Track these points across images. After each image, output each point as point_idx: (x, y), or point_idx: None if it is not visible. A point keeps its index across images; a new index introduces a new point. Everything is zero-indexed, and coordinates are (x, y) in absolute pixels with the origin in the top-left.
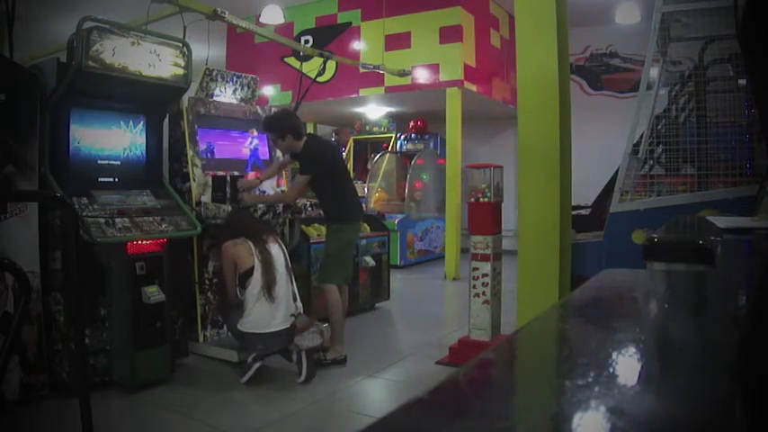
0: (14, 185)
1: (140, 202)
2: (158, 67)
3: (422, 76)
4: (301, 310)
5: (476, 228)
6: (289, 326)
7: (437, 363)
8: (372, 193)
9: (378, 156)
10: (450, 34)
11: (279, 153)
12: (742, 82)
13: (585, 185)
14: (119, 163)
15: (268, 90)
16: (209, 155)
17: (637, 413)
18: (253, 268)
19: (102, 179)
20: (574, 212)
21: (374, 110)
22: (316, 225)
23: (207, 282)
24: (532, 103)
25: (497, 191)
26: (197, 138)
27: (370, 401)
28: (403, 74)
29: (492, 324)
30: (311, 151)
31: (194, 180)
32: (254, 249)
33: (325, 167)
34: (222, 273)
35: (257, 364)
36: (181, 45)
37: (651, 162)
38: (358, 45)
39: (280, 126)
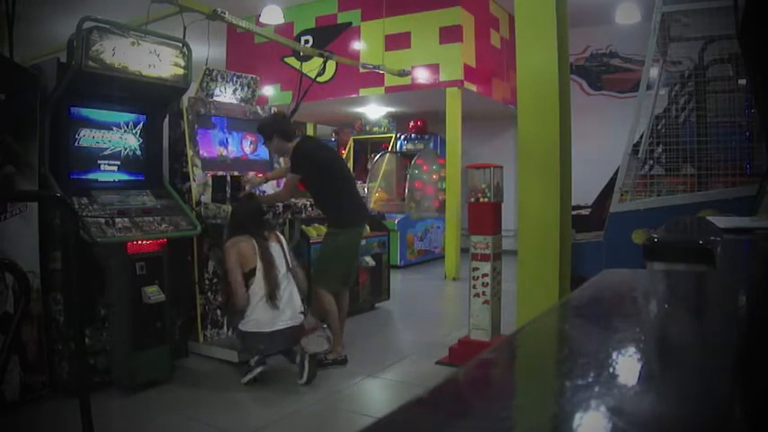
0: (14, 185)
1: (140, 202)
2: (158, 67)
3: (422, 76)
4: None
5: (476, 228)
6: (297, 324)
7: (437, 363)
8: (372, 193)
9: (378, 156)
10: (450, 34)
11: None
12: (742, 82)
13: (585, 185)
14: (119, 163)
15: (268, 90)
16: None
17: (636, 413)
18: (255, 269)
19: (102, 179)
20: (574, 212)
21: (374, 110)
22: (316, 225)
23: (207, 282)
24: (532, 104)
25: (497, 191)
26: (197, 138)
27: (370, 401)
28: (403, 74)
29: (492, 324)
30: (301, 151)
31: (194, 180)
32: (256, 248)
33: (315, 169)
34: (226, 272)
35: (259, 369)
36: (181, 45)
37: (651, 162)
38: (358, 45)
39: (266, 128)
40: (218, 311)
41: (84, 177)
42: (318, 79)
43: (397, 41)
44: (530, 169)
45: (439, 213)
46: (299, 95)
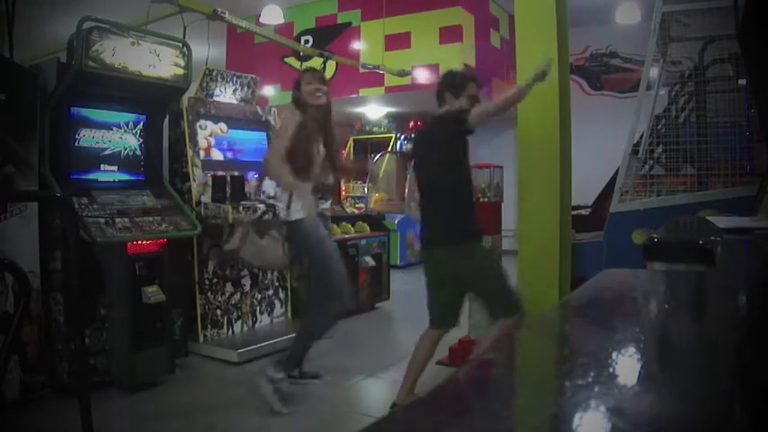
0: (14, 185)
1: (140, 202)
2: (158, 67)
3: (422, 76)
4: None
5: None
6: None
7: (437, 363)
8: (372, 193)
9: (378, 156)
10: (450, 34)
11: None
12: (742, 82)
13: (585, 185)
14: (119, 163)
15: (268, 90)
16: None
17: (636, 413)
18: None
19: (102, 179)
20: (574, 212)
21: (374, 110)
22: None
23: (207, 282)
24: (532, 104)
25: (497, 191)
26: (197, 138)
27: (370, 401)
28: (403, 74)
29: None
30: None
31: (194, 180)
32: None
33: None
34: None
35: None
36: (181, 45)
37: (651, 162)
38: (358, 45)
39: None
40: (218, 311)
41: (84, 177)
42: None
43: (397, 41)
44: (530, 169)
45: None
46: None
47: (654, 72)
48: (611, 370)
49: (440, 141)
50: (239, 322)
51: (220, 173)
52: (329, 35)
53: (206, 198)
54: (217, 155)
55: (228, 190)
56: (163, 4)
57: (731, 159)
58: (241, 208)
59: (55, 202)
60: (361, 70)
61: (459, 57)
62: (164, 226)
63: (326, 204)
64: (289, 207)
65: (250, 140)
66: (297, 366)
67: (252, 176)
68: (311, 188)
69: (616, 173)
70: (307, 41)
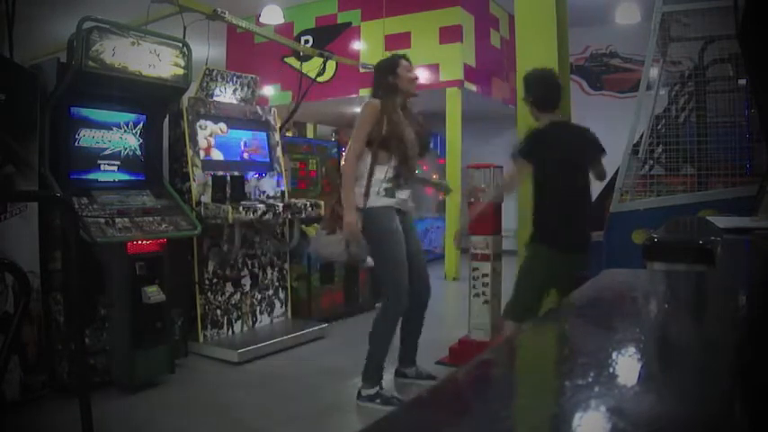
0: (14, 185)
1: (140, 202)
2: (158, 67)
3: (422, 76)
4: None
5: (476, 228)
6: None
7: (437, 363)
8: None
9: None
10: (450, 34)
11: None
12: (742, 82)
13: None
14: (119, 163)
15: (268, 90)
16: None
17: (636, 413)
18: None
19: (102, 179)
20: None
21: None
22: (315, 225)
23: (207, 282)
24: None
25: None
26: (197, 138)
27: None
28: None
29: (492, 324)
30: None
31: (194, 180)
32: None
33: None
34: None
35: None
36: (181, 45)
37: (651, 162)
38: (358, 45)
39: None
40: (218, 311)
41: (84, 177)
42: (318, 79)
43: (397, 41)
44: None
45: (439, 213)
46: (299, 95)
47: (654, 72)
48: (611, 370)
49: (583, 147)
50: (239, 322)
51: (220, 173)
52: (329, 35)
53: (206, 198)
54: (217, 155)
55: (228, 190)
56: (163, 4)
57: (731, 159)
58: (241, 208)
59: (55, 202)
60: (362, 70)
61: (459, 57)
62: (164, 226)
63: (406, 195)
64: (367, 194)
65: (250, 140)
66: (381, 373)
67: (251, 176)
68: (395, 175)
69: (616, 173)
70: (307, 41)
